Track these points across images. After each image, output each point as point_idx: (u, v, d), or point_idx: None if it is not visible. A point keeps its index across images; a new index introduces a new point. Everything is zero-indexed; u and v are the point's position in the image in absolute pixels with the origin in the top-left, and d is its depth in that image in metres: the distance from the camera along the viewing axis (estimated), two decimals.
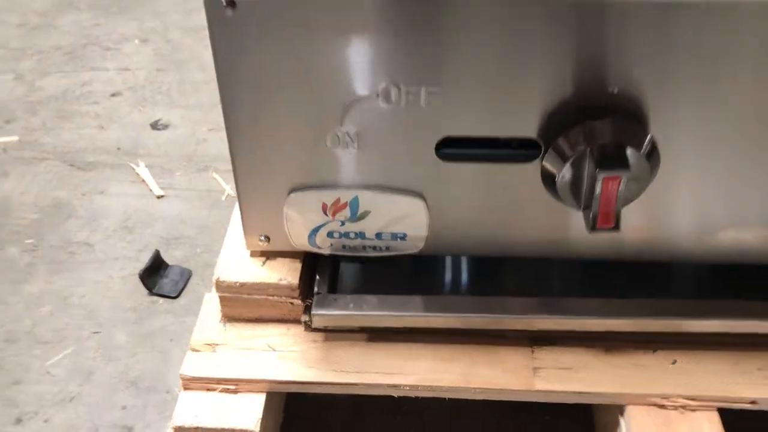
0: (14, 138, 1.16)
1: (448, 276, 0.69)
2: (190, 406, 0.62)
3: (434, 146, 0.55)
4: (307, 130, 0.56)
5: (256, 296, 0.64)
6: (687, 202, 0.59)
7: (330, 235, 0.62)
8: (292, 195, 0.59)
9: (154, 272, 0.91)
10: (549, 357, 0.63)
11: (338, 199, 0.59)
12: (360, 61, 0.51)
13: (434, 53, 0.51)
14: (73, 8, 1.51)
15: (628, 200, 0.54)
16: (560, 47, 0.50)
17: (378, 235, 0.61)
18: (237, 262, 0.65)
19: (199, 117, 1.21)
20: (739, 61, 0.51)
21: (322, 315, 0.62)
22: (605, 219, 0.53)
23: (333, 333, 0.65)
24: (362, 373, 0.62)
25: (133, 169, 1.10)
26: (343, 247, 0.63)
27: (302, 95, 0.54)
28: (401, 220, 0.60)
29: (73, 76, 1.31)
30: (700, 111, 0.53)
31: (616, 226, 0.54)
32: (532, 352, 0.63)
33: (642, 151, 0.52)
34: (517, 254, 0.63)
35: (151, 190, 1.06)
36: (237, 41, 0.51)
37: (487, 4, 0.49)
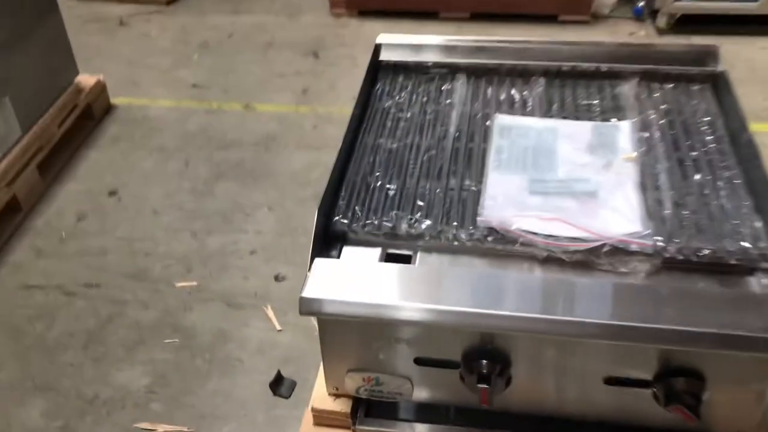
0: (194, 283, 1.92)
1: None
2: None
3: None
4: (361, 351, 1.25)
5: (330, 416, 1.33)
6: None
7: (365, 390, 1.30)
8: (349, 373, 1.28)
9: (277, 382, 1.63)
10: None
11: (369, 377, 1.28)
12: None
13: None
14: (223, 178, 2.29)
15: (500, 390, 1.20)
16: None
17: (387, 391, 1.30)
18: (322, 395, 1.34)
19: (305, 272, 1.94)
20: None
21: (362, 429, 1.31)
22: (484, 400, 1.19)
23: None
24: None
25: (264, 310, 1.84)
26: (371, 393, 1.31)
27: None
28: (400, 387, 1.28)
29: (227, 236, 2.07)
30: None
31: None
32: None
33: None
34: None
35: (275, 326, 1.79)
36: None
37: None
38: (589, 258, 1.06)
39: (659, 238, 1.06)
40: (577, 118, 1.36)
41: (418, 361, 1.13)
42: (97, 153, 2.34)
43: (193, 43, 2.95)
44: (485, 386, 1.06)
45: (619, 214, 1.13)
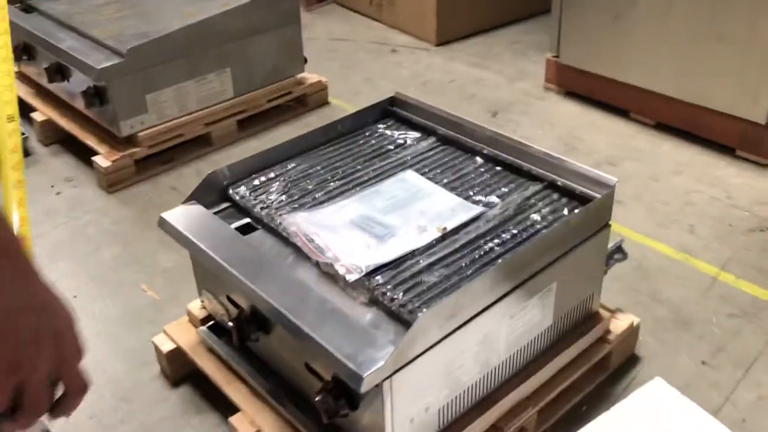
0: None
1: None
2: None
3: None
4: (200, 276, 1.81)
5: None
6: None
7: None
8: (203, 291, 1.85)
9: None
10: None
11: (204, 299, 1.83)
12: None
13: None
14: None
15: None
16: None
17: (214, 312, 1.82)
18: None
19: None
20: None
21: None
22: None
23: None
24: None
25: None
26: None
27: None
28: (216, 312, 1.80)
29: None
30: None
31: None
32: None
33: None
34: None
35: None
36: None
37: None
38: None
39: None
40: (468, 197, 1.70)
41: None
42: (288, 129, 3.17)
43: (421, 78, 3.61)
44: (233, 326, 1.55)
45: (362, 252, 1.50)
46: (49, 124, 3.04)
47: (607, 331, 1.80)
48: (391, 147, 1.94)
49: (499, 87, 3.54)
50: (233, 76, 2.97)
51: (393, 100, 2.09)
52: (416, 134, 1.99)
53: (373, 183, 1.79)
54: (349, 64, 3.82)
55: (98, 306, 2.22)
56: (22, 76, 3.25)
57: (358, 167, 1.86)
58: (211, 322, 1.84)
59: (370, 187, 1.77)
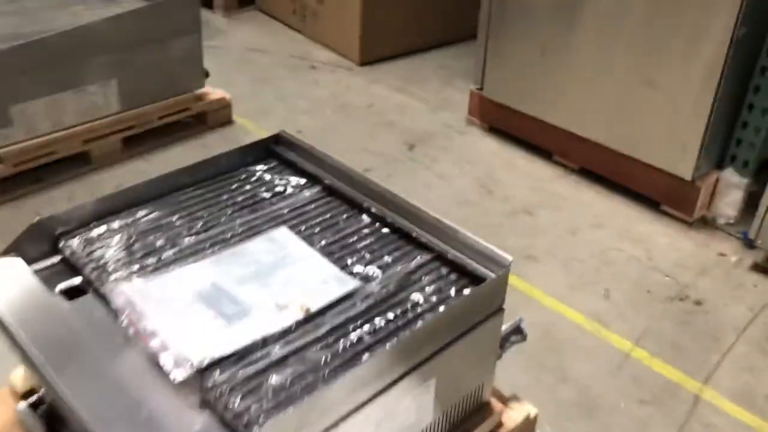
0: None
1: None
2: None
3: None
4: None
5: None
6: None
7: None
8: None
9: None
10: None
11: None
12: None
13: None
14: None
15: None
16: None
17: None
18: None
19: None
20: None
21: None
22: None
23: None
24: None
25: None
26: None
27: None
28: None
29: None
30: None
31: None
32: None
33: None
34: None
35: None
36: None
37: None
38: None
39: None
40: (345, 266, 1.45)
41: None
42: (182, 150, 2.87)
43: (340, 100, 3.37)
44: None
45: (200, 339, 1.25)
46: None
47: (499, 425, 1.57)
48: (267, 195, 1.67)
49: (421, 116, 3.31)
50: (120, 89, 2.65)
51: (278, 138, 1.83)
52: (300, 180, 1.72)
53: (237, 241, 1.52)
54: (263, 79, 3.54)
55: None
56: None
57: (223, 219, 1.58)
58: (35, 396, 1.54)
59: (232, 247, 1.49)
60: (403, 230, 1.55)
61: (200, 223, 1.56)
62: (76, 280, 1.43)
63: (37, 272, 1.42)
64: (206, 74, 2.93)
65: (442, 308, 1.37)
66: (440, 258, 1.49)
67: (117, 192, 1.61)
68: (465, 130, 3.19)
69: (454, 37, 4.04)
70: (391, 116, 3.28)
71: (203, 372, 1.20)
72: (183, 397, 1.18)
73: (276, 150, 1.81)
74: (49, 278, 1.42)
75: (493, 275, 1.41)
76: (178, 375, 1.18)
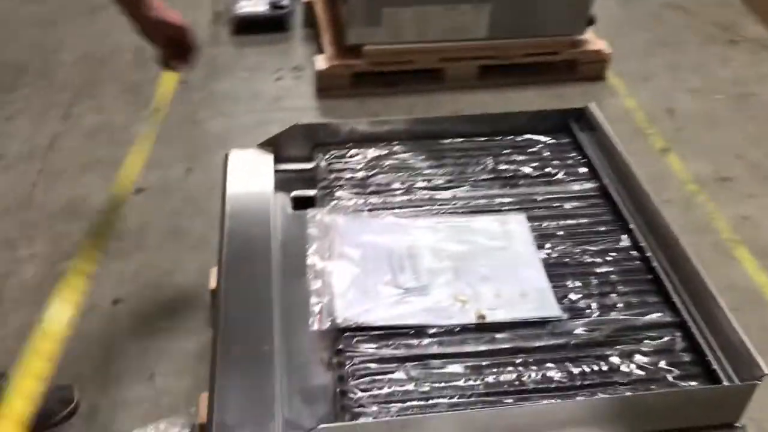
0: None
1: None
2: None
3: None
4: None
5: None
6: None
7: None
8: None
9: None
10: None
11: None
12: None
13: None
14: None
15: None
16: None
17: None
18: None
19: None
20: None
21: None
22: None
23: None
24: None
25: None
26: None
27: None
28: None
29: None
30: None
31: None
32: None
33: None
34: None
35: None
36: None
37: None
38: None
39: None
40: (563, 285, 1.21)
41: None
42: (534, 96, 2.67)
43: (742, 88, 2.78)
44: None
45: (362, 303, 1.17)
46: (309, 6, 2.98)
47: None
48: (533, 173, 1.45)
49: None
50: (492, 14, 2.55)
51: (581, 114, 1.56)
52: (578, 169, 1.45)
53: (468, 211, 1.36)
54: (664, 42, 3.08)
55: None
56: None
57: (470, 182, 1.42)
58: None
59: (459, 216, 1.34)
60: (658, 275, 1.23)
61: (444, 179, 1.44)
62: (311, 192, 1.45)
63: (280, 171, 1.46)
64: (590, 21, 2.66)
65: (657, 389, 1.06)
66: (682, 328, 1.14)
67: (383, 119, 1.56)
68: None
69: None
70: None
71: (342, 333, 1.12)
72: (310, 348, 1.12)
73: (573, 126, 1.57)
74: (289, 182, 1.46)
75: (736, 382, 1.04)
76: (315, 324, 1.13)
